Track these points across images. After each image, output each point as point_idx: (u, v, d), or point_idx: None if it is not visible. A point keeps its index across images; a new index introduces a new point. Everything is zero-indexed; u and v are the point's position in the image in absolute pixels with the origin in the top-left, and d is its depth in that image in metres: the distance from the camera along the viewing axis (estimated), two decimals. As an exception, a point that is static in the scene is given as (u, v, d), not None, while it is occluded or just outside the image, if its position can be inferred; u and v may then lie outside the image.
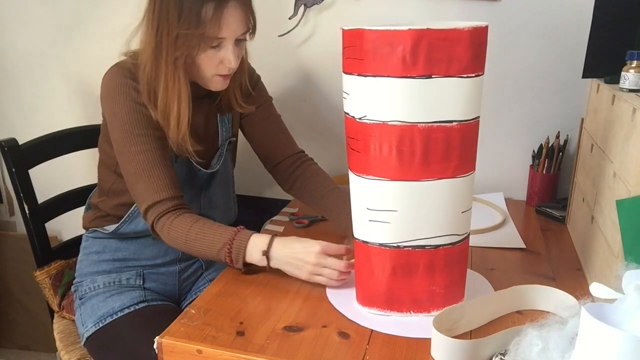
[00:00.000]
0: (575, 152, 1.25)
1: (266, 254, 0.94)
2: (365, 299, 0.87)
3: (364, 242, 0.84)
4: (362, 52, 0.74)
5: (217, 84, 1.04)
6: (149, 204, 0.98)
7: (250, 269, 0.97)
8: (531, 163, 1.40)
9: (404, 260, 0.82)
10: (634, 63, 0.93)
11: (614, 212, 0.84)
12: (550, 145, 1.35)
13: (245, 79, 1.14)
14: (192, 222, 0.97)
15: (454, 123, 0.76)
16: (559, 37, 1.33)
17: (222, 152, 1.18)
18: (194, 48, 0.95)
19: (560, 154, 1.36)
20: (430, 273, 0.83)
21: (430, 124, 0.75)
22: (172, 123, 1.00)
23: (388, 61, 0.73)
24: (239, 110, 1.15)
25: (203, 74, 1.01)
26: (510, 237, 1.18)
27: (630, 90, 0.93)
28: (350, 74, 0.78)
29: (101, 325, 1.05)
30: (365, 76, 0.75)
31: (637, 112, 0.80)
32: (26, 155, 1.24)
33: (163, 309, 1.09)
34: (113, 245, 1.15)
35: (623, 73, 0.94)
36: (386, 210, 0.80)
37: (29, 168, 1.25)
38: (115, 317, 1.05)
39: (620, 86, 0.95)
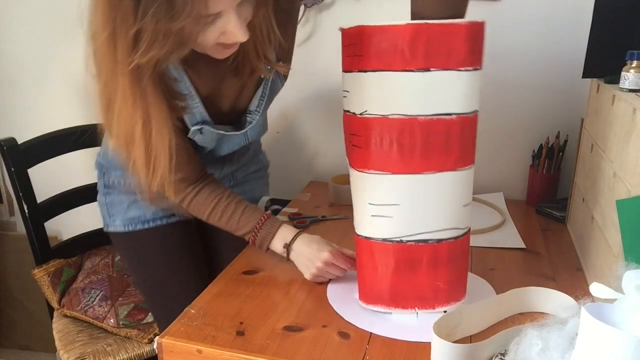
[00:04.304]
0: (575, 152, 1.25)
1: (287, 247, 0.95)
2: (370, 297, 0.86)
3: (366, 237, 0.84)
4: (361, 48, 0.75)
5: (220, 53, 0.82)
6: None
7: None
8: (531, 163, 1.40)
9: (408, 255, 0.82)
10: (634, 63, 0.93)
11: (614, 212, 0.84)
12: (550, 145, 1.35)
13: (271, 31, 0.87)
14: (214, 203, 0.96)
15: (454, 116, 0.76)
16: (559, 37, 1.32)
17: (265, 92, 0.98)
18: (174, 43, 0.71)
19: (560, 154, 1.36)
20: (434, 268, 0.83)
21: (430, 117, 0.76)
22: (139, 164, 0.79)
23: (387, 56, 0.74)
24: (266, 74, 0.94)
25: (201, 47, 0.79)
26: (510, 237, 1.18)
27: (630, 90, 0.93)
28: (350, 71, 0.79)
29: (131, 229, 1.06)
30: (365, 71, 0.76)
31: (637, 112, 0.80)
32: (25, 155, 1.24)
33: (189, 230, 1.10)
34: None
35: (623, 73, 0.94)
36: (388, 204, 0.80)
37: (28, 167, 1.25)
38: (146, 225, 1.06)
39: (620, 86, 0.95)
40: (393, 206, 0.80)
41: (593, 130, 1.09)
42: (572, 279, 0.99)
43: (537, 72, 1.36)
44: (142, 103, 0.74)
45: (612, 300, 0.63)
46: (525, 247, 1.13)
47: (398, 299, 0.84)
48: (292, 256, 0.96)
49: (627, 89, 0.93)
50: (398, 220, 0.80)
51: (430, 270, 0.83)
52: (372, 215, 0.82)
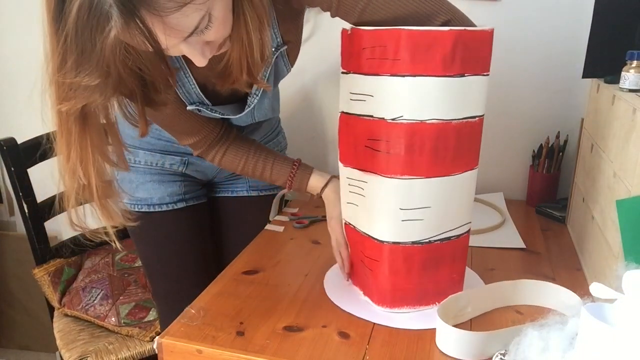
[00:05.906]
0: (575, 152, 1.25)
1: (320, 195, 1.02)
2: (394, 301, 0.86)
3: (395, 243, 0.83)
4: (397, 52, 0.73)
5: (199, 61, 0.71)
6: (185, 145, 0.99)
7: None
8: (531, 163, 1.41)
9: (434, 254, 0.84)
10: (634, 63, 0.93)
11: (614, 212, 0.84)
12: (550, 145, 1.35)
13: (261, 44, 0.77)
14: (242, 162, 1.00)
15: (477, 118, 0.80)
16: (559, 37, 1.33)
17: (264, 75, 0.92)
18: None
19: (560, 154, 1.36)
20: (452, 262, 0.86)
21: (461, 120, 0.78)
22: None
23: (428, 61, 0.73)
24: (245, 89, 0.89)
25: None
26: (510, 237, 1.18)
27: (630, 90, 0.93)
28: (377, 74, 0.77)
29: (136, 209, 1.07)
30: (403, 76, 0.74)
31: (637, 112, 0.80)
32: (25, 155, 1.24)
33: (197, 217, 1.12)
34: (157, 132, 1.06)
35: (623, 73, 0.94)
36: (420, 207, 0.81)
37: (28, 167, 1.25)
38: (151, 209, 1.07)
39: (620, 86, 0.95)
40: (424, 209, 0.81)
41: (593, 130, 1.09)
42: (572, 279, 1.00)
43: (537, 72, 1.36)
44: (67, 139, 0.74)
45: (612, 300, 0.63)
46: (525, 247, 1.13)
47: (423, 297, 0.86)
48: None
49: (627, 89, 0.93)
50: (429, 222, 0.82)
51: (450, 265, 0.87)
52: (402, 220, 0.81)
